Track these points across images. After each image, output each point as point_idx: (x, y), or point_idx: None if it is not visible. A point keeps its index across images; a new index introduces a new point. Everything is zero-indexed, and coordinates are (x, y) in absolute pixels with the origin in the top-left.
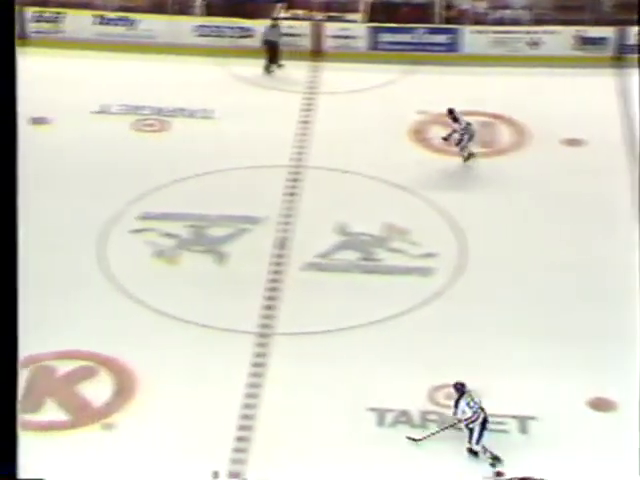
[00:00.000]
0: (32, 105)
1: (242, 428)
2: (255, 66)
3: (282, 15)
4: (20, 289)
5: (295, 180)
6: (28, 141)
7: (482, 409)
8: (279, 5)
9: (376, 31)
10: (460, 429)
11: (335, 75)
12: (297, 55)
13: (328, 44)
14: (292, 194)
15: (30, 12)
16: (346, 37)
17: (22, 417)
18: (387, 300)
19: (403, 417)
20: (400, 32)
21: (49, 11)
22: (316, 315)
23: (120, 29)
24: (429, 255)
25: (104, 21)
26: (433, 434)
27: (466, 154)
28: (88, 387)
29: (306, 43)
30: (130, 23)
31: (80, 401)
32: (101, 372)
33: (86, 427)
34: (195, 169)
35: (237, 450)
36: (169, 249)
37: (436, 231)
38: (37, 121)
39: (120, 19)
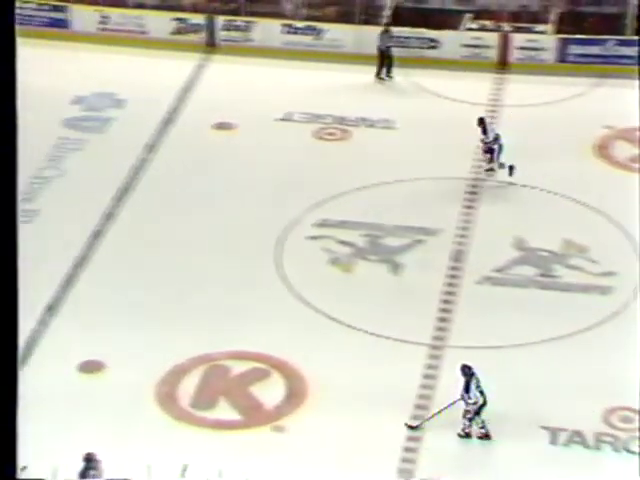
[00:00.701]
0: (218, 111)
1: (410, 439)
2: (440, 77)
3: (469, 26)
4: (199, 288)
5: (473, 193)
6: (212, 145)
7: (482, 393)
8: (467, 15)
9: (565, 43)
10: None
11: (520, 87)
12: (483, 66)
13: (515, 55)
14: (470, 207)
15: (221, 20)
16: (534, 49)
17: (196, 413)
18: (564, 317)
19: (577, 437)
20: (589, 44)
21: (240, 20)
22: (490, 329)
23: (307, 38)
24: (608, 273)
25: (292, 30)
26: (431, 418)
27: (493, 166)
28: (260, 389)
29: (492, 54)
30: (317, 32)
31: (252, 402)
32: (273, 375)
33: (257, 428)
34: (374, 178)
35: (405, 460)
36: (345, 257)
37: (617, 249)
38: (222, 126)
39: (308, 28)
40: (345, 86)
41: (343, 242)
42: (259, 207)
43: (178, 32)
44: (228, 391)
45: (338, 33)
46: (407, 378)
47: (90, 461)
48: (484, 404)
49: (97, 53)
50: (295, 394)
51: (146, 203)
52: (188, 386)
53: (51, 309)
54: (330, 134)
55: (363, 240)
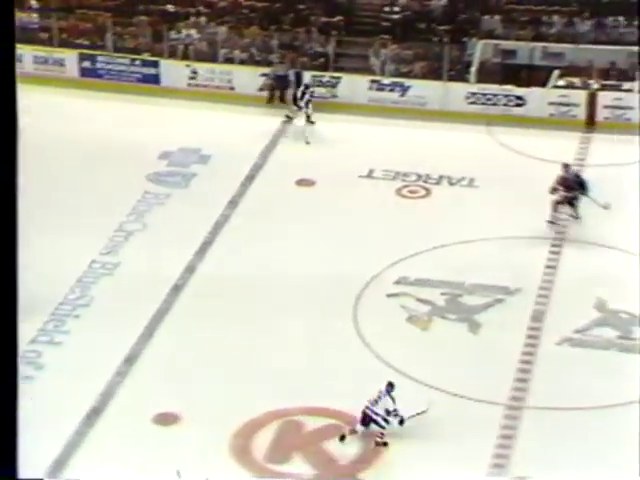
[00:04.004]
0: (301, 167)
1: None
2: (525, 135)
3: (557, 83)
4: (276, 343)
5: (556, 252)
6: (294, 201)
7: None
8: (555, 72)
9: None
10: None
11: (605, 147)
12: (569, 124)
13: (602, 114)
14: (552, 266)
15: (310, 76)
16: (620, 107)
17: (270, 467)
18: None
19: None
20: None
21: (328, 75)
22: (569, 391)
23: (393, 94)
24: None
25: (379, 86)
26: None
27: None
28: (335, 444)
29: (579, 112)
30: (403, 89)
31: (326, 457)
32: (348, 431)
33: None
34: (455, 237)
35: None
36: (423, 315)
37: None
38: (304, 182)
39: (394, 84)
40: (428, 143)
41: (422, 300)
42: (339, 263)
43: (265, 88)
44: (302, 446)
45: (424, 89)
46: (484, 438)
47: None
48: None
49: (185, 108)
50: (369, 451)
51: (226, 258)
52: (263, 440)
53: (129, 360)
54: (412, 192)
55: (442, 298)
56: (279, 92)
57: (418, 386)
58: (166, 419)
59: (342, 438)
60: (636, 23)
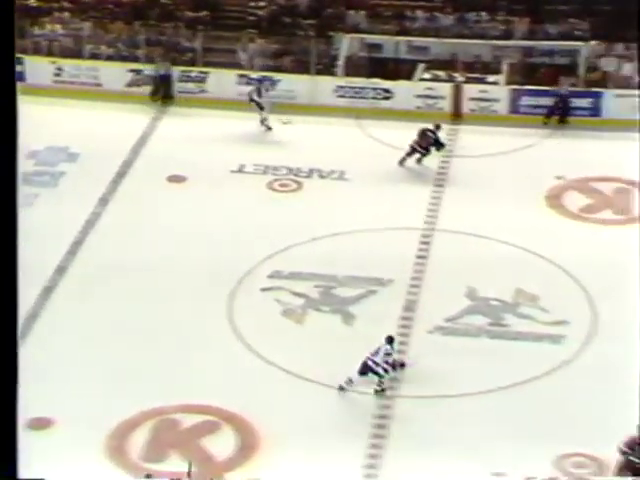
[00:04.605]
0: (172, 163)
1: None
2: (393, 128)
3: (423, 76)
4: (150, 341)
5: (427, 243)
6: (165, 198)
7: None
8: (420, 65)
9: (517, 93)
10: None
11: (472, 138)
12: (436, 117)
13: (467, 106)
14: (423, 257)
15: (177, 71)
16: (486, 99)
17: (146, 466)
18: (515, 366)
19: None
20: (541, 95)
21: (196, 70)
22: (441, 378)
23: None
24: (559, 322)
25: (247, 81)
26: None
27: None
28: (211, 441)
29: (445, 105)
30: (272, 83)
31: (203, 454)
32: (225, 427)
33: None
34: (326, 229)
35: None
36: (297, 308)
37: (568, 298)
38: (175, 179)
39: (263, 79)
40: (298, 137)
41: (296, 293)
42: (212, 259)
43: (134, 84)
44: (178, 444)
45: (292, 84)
46: (358, 428)
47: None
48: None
49: (51, 106)
50: (247, 446)
51: (98, 257)
52: (138, 439)
53: None
54: (283, 185)
55: (316, 291)
56: (163, 90)
57: (293, 379)
58: (39, 423)
59: (341, 388)
60: (500, 18)
